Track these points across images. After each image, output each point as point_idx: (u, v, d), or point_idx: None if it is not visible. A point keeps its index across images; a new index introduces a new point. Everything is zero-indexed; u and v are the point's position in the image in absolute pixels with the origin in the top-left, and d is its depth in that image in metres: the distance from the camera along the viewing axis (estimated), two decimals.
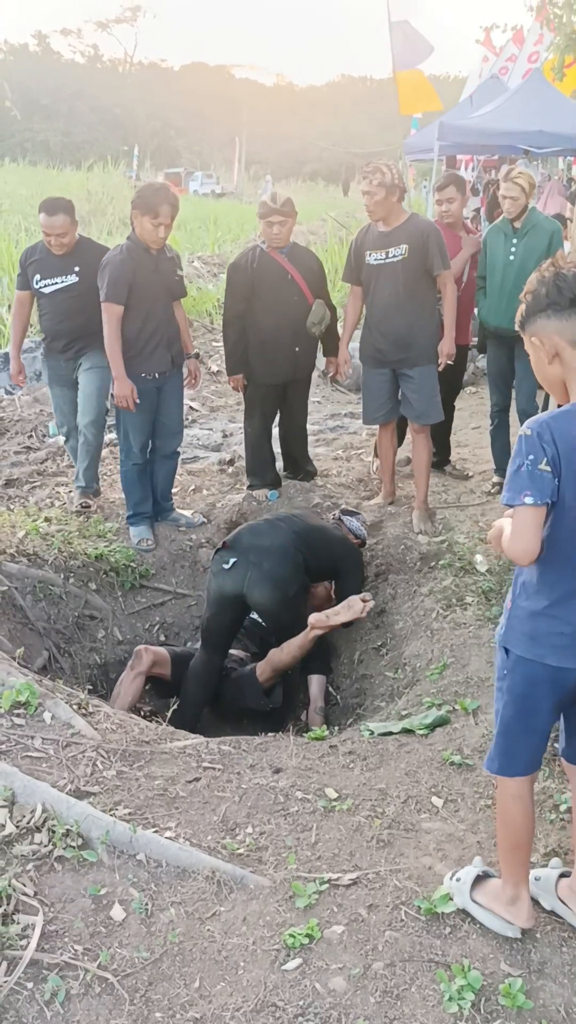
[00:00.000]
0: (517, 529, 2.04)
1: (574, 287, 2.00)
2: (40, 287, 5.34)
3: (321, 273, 5.51)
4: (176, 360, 5.17)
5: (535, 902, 2.36)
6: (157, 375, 5.04)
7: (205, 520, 5.45)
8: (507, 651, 2.20)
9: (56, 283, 5.32)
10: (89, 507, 5.44)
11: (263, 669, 4.33)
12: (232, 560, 4.31)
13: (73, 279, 5.30)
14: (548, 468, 1.98)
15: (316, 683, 4.60)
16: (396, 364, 5.09)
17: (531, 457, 1.99)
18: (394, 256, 4.90)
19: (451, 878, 2.40)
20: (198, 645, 4.63)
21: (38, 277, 5.33)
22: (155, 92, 65.56)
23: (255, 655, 4.77)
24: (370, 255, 4.98)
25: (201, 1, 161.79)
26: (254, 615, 4.76)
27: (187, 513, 5.49)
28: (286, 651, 4.30)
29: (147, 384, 5.01)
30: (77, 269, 5.28)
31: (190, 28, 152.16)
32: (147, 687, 4.48)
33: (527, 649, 2.14)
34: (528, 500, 1.99)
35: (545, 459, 1.98)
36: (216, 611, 4.42)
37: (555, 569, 2.08)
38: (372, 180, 4.77)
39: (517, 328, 2.14)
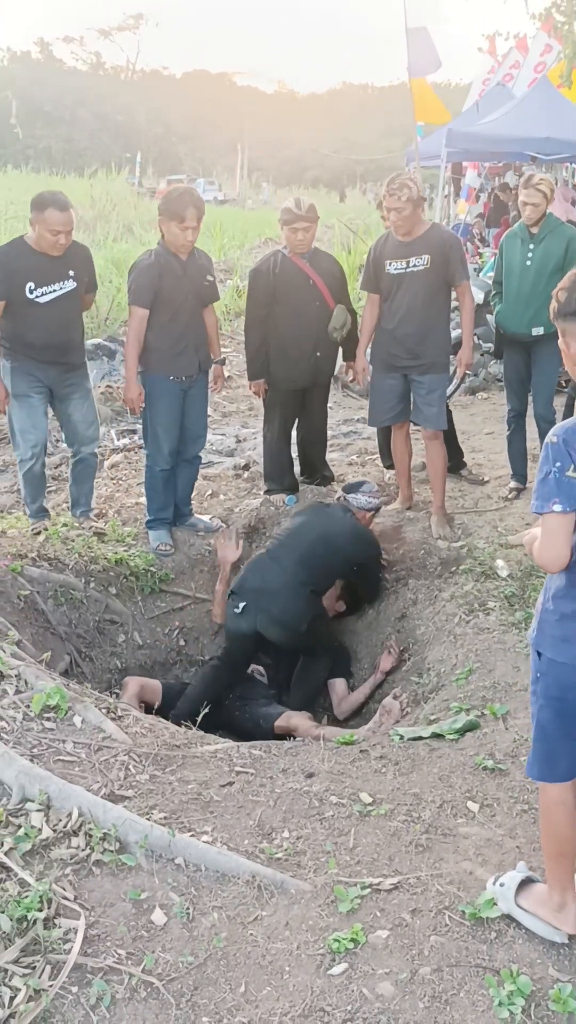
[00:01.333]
0: (546, 536, 2.05)
1: None
2: (35, 296, 4.76)
3: (342, 278, 5.52)
4: (203, 364, 5.10)
5: None
6: (184, 378, 5.00)
7: (224, 525, 5.44)
8: (540, 654, 2.20)
9: (54, 290, 4.82)
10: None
11: (281, 727, 4.16)
12: (242, 605, 4.40)
13: (71, 284, 4.89)
14: (575, 474, 1.98)
15: (340, 684, 4.62)
16: (408, 370, 5.09)
17: (558, 464, 1.99)
18: (415, 266, 4.90)
19: (494, 883, 2.38)
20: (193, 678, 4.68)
21: (31, 285, 4.73)
22: (157, 99, 65.77)
23: (268, 666, 4.77)
24: (390, 264, 4.97)
25: (203, 9, 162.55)
26: None
27: (205, 518, 5.46)
28: (302, 729, 4.10)
29: (173, 386, 4.97)
30: (72, 273, 4.88)
31: (192, 36, 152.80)
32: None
33: (559, 651, 2.14)
34: (556, 508, 2.00)
35: (573, 465, 1.98)
36: (233, 645, 4.55)
37: None
38: (400, 196, 4.74)
39: (552, 319, 2.14)
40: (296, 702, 4.45)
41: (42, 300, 4.80)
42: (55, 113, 56.40)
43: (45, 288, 4.79)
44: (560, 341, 2.11)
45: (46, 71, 62.94)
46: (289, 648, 4.58)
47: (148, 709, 4.30)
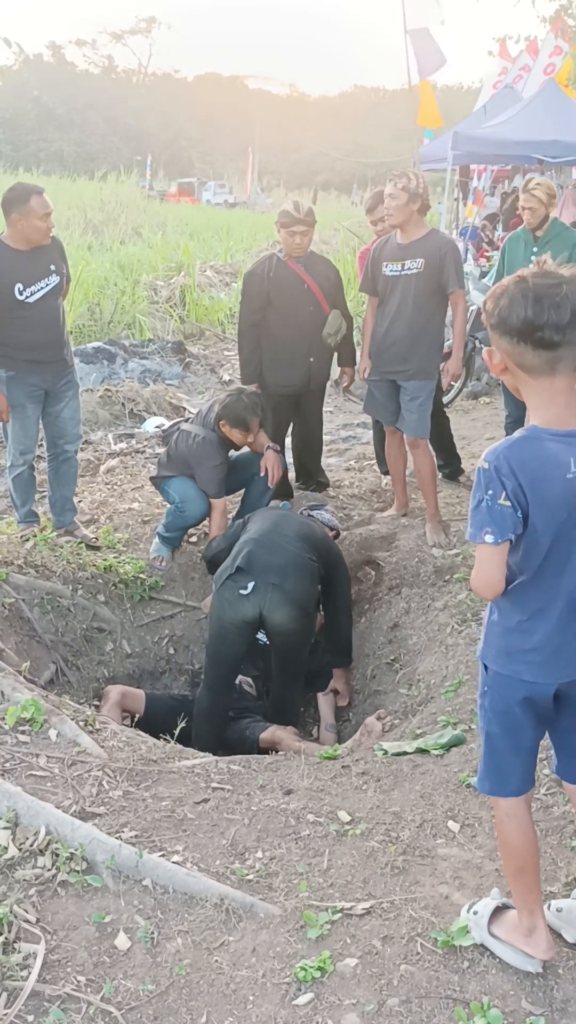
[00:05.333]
0: (479, 565, 2.03)
1: (524, 318, 1.89)
2: (24, 297, 4.64)
3: (338, 283, 5.45)
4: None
5: (557, 935, 2.27)
6: None
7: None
8: (486, 667, 2.16)
9: (41, 288, 4.69)
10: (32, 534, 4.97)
11: (266, 740, 4.05)
12: (251, 584, 4.03)
13: (56, 279, 4.76)
14: (508, 503, 1.93)
15: (325, 701, 4.51)
16: (394, 375, 5.01)
17: (490, 492, 1.94)
18: (410, 269, 4.83)
19: (468, 910, 2.30)
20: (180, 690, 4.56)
21: (20, 287, 4.62)
22: (168, 103, 66.00)
23: (257, 677, 4.67)
24: (387, 266, 4.90)
25: (215, 13, 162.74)
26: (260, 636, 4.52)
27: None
28: (286, 744, 3.98)
29: None
30: (53, 268, 4.74)
31: (204, 39, 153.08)
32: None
33: (503, 665, 2.10)
34: (488, 538, 1.96)
35: (504, 493, 1.93)
36: (229, 642, 4.15)
37: (527, 587, 2.06)
38: (397, 184, 4.69)
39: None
40: (279, 716, 4.32)
41: (31, 300, 4.69)
42: (67, 116, 56.64)
43: (33, 287, 4.68)
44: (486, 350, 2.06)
45: (58, 74, 63.12)
46: (284, 643, 4.22)
47: (131, 718, 4.20)
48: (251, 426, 4.89)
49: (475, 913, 2.27)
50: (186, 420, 5.48)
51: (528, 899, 2.19)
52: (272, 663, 4.38)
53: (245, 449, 5.18)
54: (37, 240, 4.64)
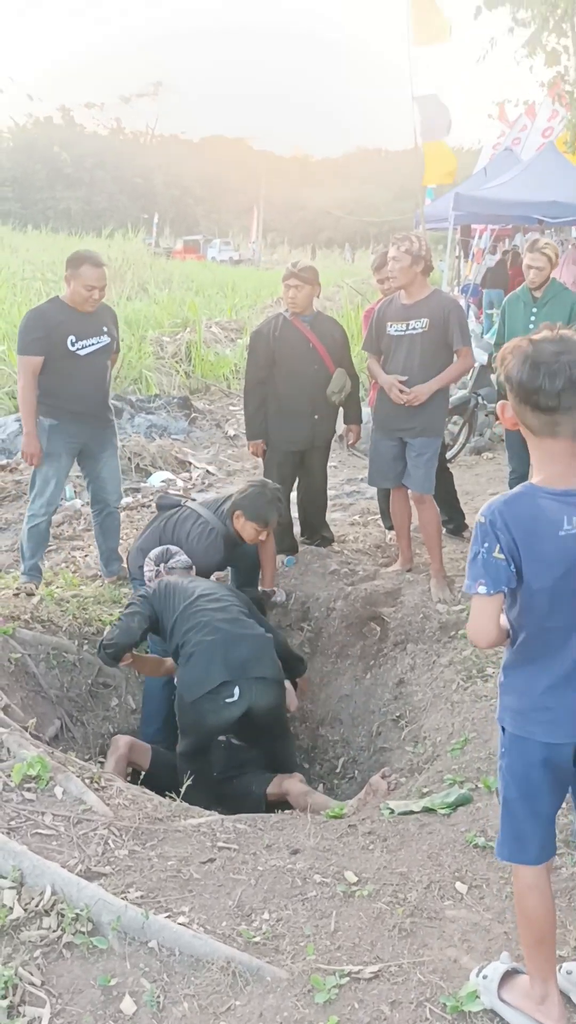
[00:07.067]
0: (473, 614, 2.09)
1: (520, 381, 1.97)
2: (76, 348, 4.93)
3: (344, 342, 5.55)
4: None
5: (567, 997, 2.25)
6: None
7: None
8: (504, 729, 2.18)
9: (93, 343, 5.00)
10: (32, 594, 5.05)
11: (274, 794, 4.02)
12: (236, 690, 3.85)
13: (106, 339, 5.07)
14: (502, 556, 1.99)
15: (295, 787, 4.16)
16: (403, 432, 5.07)
17: (486, 545, 2.01)
18: (414, 329, 4.92)
19: (478, 974, 2.28)
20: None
21: (72, 339, 4.91)
22: (175, 162, 67.34)
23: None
24: (391, 326, 5.00)
25: (222, 76, 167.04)
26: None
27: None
28: (295, 793, 3.95)
29: None
30: (106, 329, 5.09)
31: (210, 102, 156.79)
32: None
33: (519, 726, 2.12)
34: (481, 589, 2.02)
35: (499, 546, 1.99)
36: (205, 740, 4.04)
37: (533, 646, 2.09)
38: (400, 247, 4.82)
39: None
40: (281, 768, 4.25)
41: (82, 353, 4.97)
42: (75, 175, 57.75)
43: (85, 342, 4.97)
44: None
45: (67, 135, 64.51)
46: (270, 716, 4.09)
47: (135, 772, 4.17)
48: (270, 523, 4.65)
49: (485, 977, 2.25)
50: (191, 499, 5.47)
51: (544, 968, 2.17)
52: (257, 733, 4.26)
53: None
54: (79, 305, 4.95)
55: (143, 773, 4.15)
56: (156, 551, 4.67)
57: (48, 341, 4.87)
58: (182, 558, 4.63)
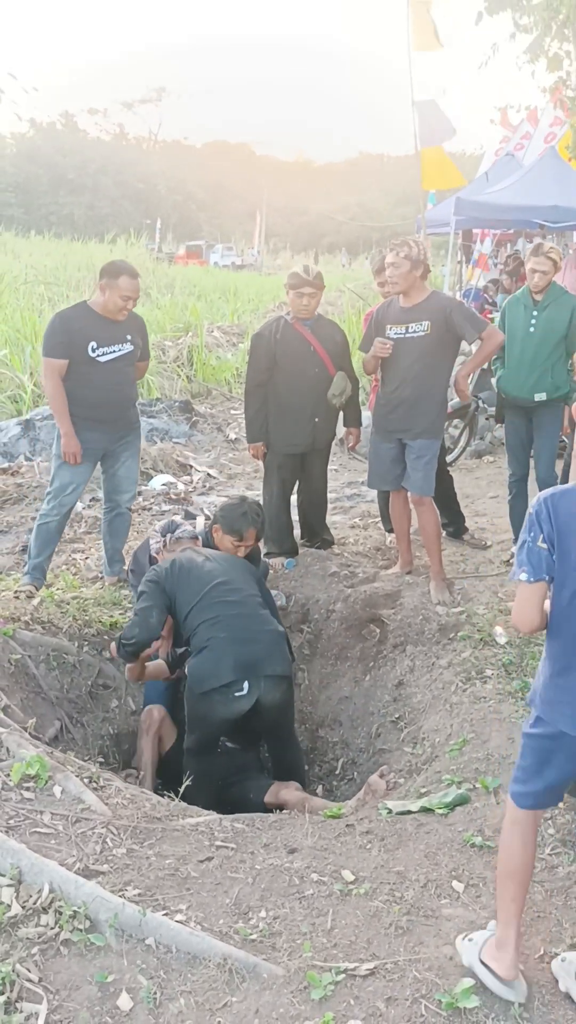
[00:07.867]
0: (516, 601, 2.18)
1: None
2: (96, 355, 4.93)
3: (345, 345, 5.56)
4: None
5: (565, 995, 2.27)
6: None
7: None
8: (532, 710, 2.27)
9: (114, 351, 4.99)
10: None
11: (271, 803, 4.00)
12: (246, 685, 3.89)
13: (129, 347, 5.07)
14: (545, 545, 2.07)
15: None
16: (402, 434, 5.09)
17: (531, 534, 2.10)
18: (415, 332, 4.93)
19: (464, 938, 2.36)
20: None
21: (94, 344, 4.92)
22: (178, 168, 67.53)
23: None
24: (391, 329, 5.01)
25: (225, 82, 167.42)
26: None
27: None
28: (292, 802, 3.93)
29: None
30: (130, 338, 5.08)
31: (213, 107, 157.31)
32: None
33: (546, 712, 2.20)
34: (523, 576, 2.11)
35: (542, 536, 2.08)
36: (213, 733, 4.10)
37: (555, 642, 2.17)
38: (399, 252, 4.83)
39: None
40: (286, 776, 4.26)
41: (102, 360, 4.97)
42: (78, 181, 57.86)
43: (105, 348, 4.98)
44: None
45: (70, 140, 64.65)
46: (279, 713, 4.12)
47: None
48: (244, 536, 4.54)
49: (470, 940, 2.34)
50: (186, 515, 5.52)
51: (508, 910, 2.27)
52: (264, 731, 4.30)
53: None
54: (112, 313, 4.98)
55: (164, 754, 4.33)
56: (162, 523, 4.84)
57: (70, 345, 4.90)
58: (188, 528, 4.76)
